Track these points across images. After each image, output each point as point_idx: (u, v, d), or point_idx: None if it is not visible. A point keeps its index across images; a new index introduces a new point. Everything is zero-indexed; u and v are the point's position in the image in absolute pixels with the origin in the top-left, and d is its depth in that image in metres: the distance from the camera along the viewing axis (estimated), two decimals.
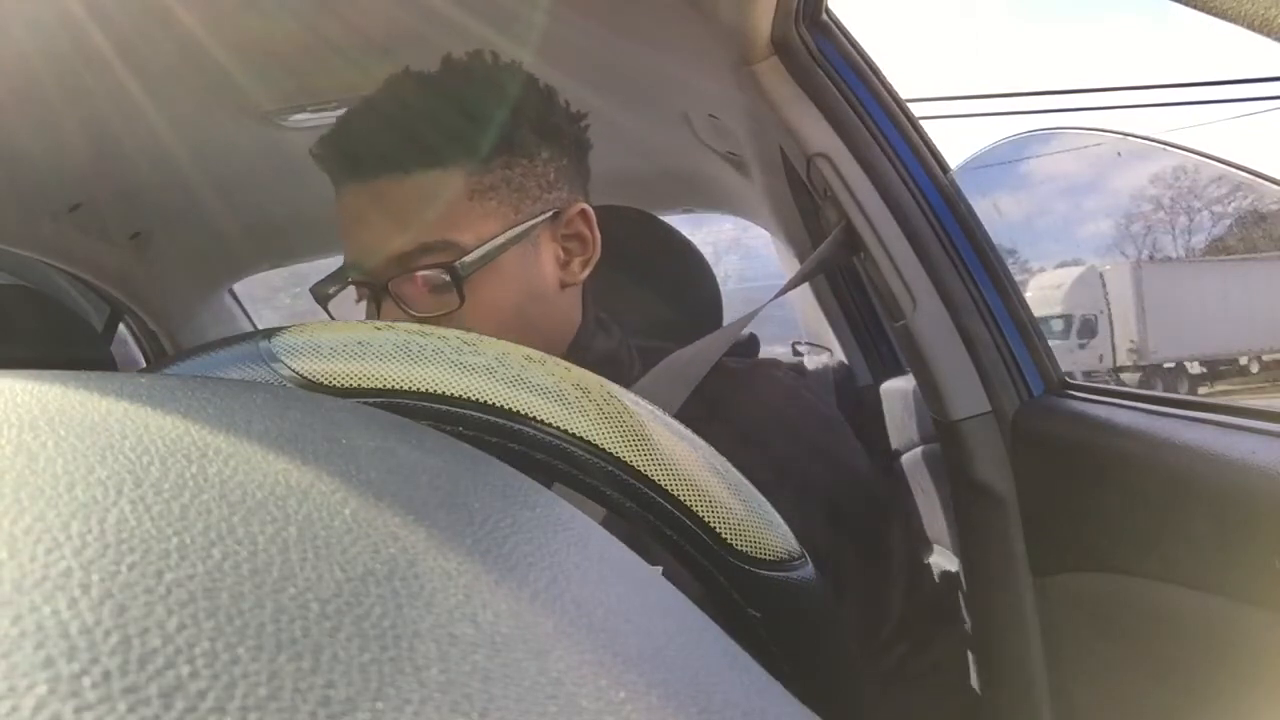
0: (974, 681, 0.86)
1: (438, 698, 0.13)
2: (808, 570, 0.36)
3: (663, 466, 0.33)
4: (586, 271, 0.72)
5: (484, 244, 0.65)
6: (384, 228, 0.65)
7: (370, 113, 0.67)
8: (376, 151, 0.65)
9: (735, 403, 0.71)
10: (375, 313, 0.67)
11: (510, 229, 0.67)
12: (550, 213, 0.69)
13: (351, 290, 0.72)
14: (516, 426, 0.32)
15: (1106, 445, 0.69)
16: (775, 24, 0.81)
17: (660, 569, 0.36)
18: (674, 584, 0.23)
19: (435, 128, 0.65)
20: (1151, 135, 0.99)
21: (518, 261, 0.67)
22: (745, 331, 0.81)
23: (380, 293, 0.66)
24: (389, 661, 0.13)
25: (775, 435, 0.70)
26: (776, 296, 0.87)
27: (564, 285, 0.71)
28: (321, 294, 0.72)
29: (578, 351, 0.71)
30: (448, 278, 0.64)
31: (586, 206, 0.73)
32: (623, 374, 0.72)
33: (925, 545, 1.11)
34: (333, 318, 0.72)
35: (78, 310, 1.54)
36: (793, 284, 0.89)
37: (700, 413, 0.65)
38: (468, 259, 0.65)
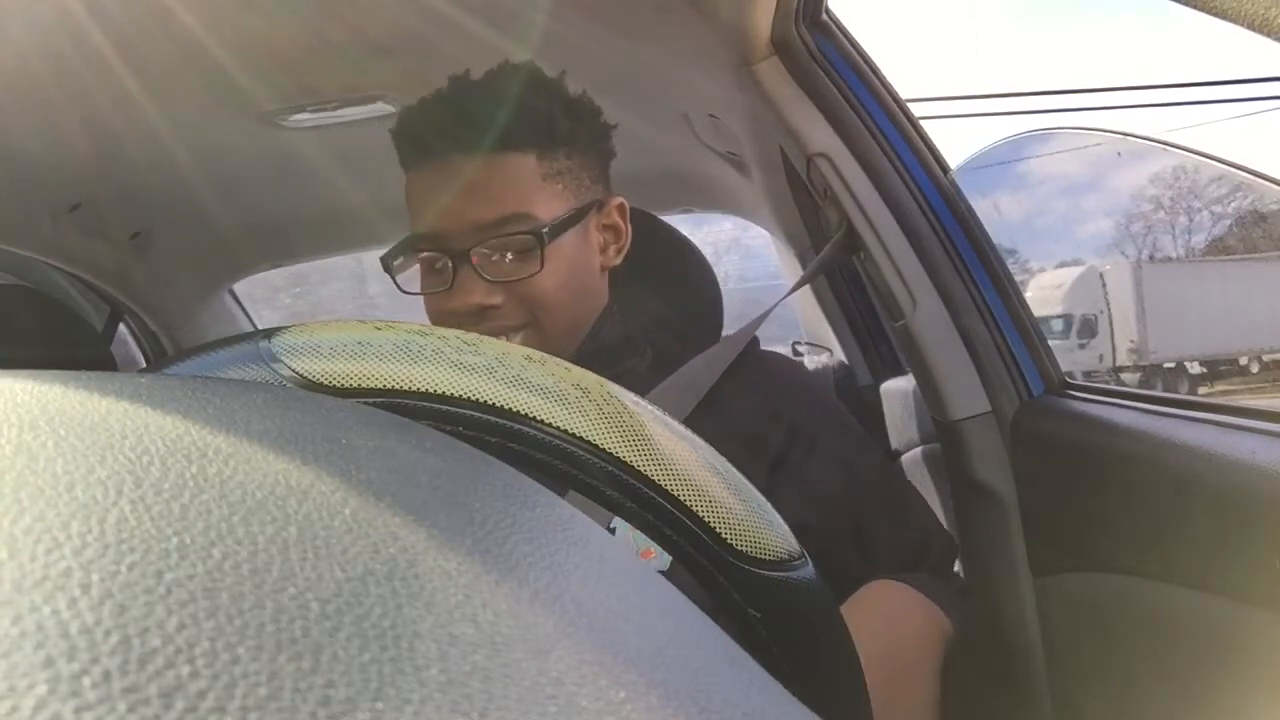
0: (974, 681, 0.86)
1: (438, 698, 0.13)
2: (808, 570, 0.36)
3: (663, 466, 0.33)
4: (619, 259, 0.82)
5: (555, 220, 0.74)
6: (472, 199, 0.72)
7: (453, 101, 0.75)
8: (472, 130, 0.72)
9: (747, 382, 0.78)
10: (449, 280, 0.74)
11: (573, 209, 0.76)
12: (597, 201, 0.79)
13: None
14: (516, 426, 0.32)
15: (1106, 445, 0.69)
16: (775, 24, 0.81)
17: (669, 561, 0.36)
18: (676, 584, 0.23)
19: (517, 116, 0.73)
20: (1151, 135, 0.99)
21: (577, 240, 0.77)
22: None
23: (460, 259, 0.73)
24: (389, 661, 0.13)
25: (789, 400, 0.79)
26: (783, 299, 0.89)
27: (602, 269, 0.81)
28: (389, 263, 0.78)
29: (598, 331, 0.79)
30: (534, 242, 0.73)
31: (623, 200, 0.83)
32: (636, 359, 0.81)
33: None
34: (400, 288, 0.78)
35: (78, 310, 1.54)
36: (798, 287, 0.92)
37: (700, 412, 0.73)
38: (548, 228, 0.73)
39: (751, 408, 0.76)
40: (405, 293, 0.78)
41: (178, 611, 0.12)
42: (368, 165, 1.33)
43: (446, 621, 0.15)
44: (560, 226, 0.74)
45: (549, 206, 0.74)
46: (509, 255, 0.74)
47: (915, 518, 0.80)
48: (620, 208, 0.82)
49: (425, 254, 0.76)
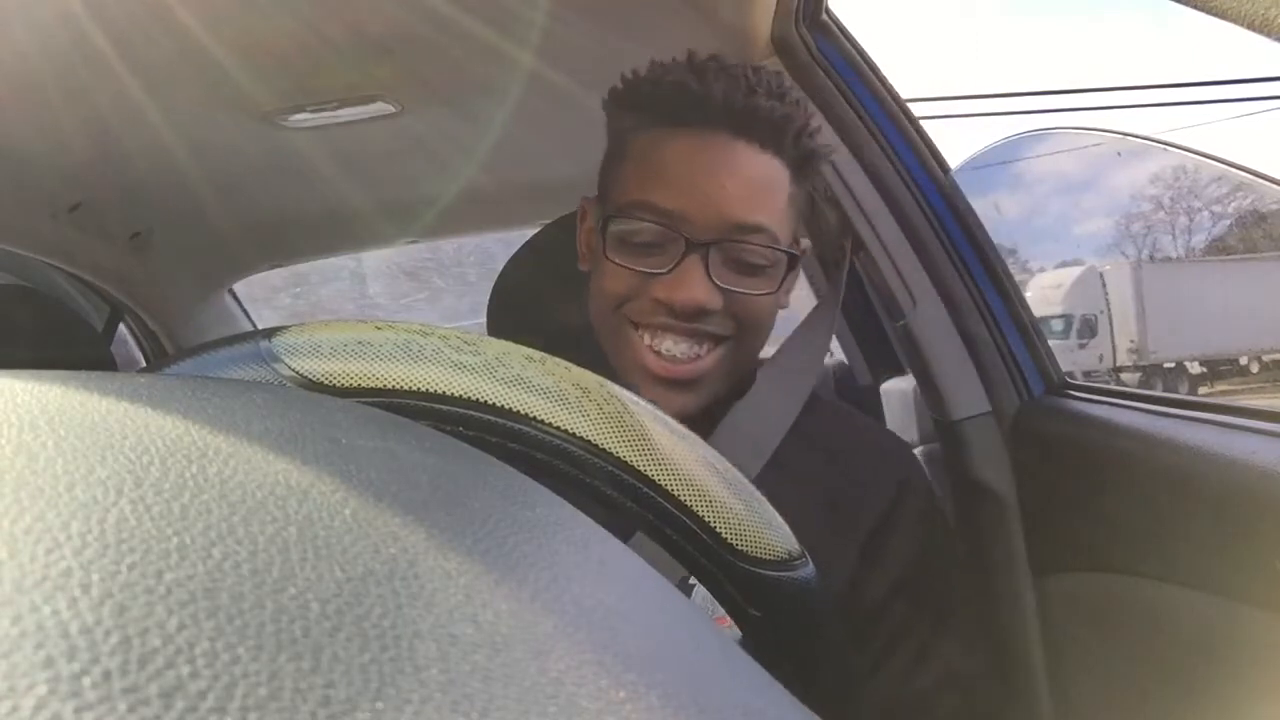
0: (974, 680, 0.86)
1: (438, 698, 0.13)
2: (808, 570, 0.36)
3: (663, 466, 0.33)
4: (786, 306, 0.75)
5: (790, 247, 0.69)
6: (737, 191, 0.66)
7: (752, 80, 0.68)
8: (763, 116, 0.66)
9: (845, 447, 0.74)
10: (669, 265, 0.66)
11: (802, 247, 0.72)
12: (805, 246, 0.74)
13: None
14: (517, 426, 0.32)
15: (1106, 445, 0.69)
16: (775, 24, 0.81)
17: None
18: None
19: (790, 124, 0.67)
20: (1151, 135, 0.99)
21: (794, 278, 0.72)
22: None
23: (696, 249, 0.66)
24: (389, 661, 0.13)
25: (884, 477, 0.72)
26: (831, 316, 0.83)
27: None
28: (614, 223, 0.68)
29: (750, 383, 0.73)
30: (785, 262, 0.68)
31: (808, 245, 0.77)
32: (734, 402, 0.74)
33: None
34: (604, 251, 0.69)
35: (78, 310, 1.54)
36: (830, 306, 0.84)
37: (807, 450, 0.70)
38: (800, 253, 0.69)
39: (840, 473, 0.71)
40: (609, 259, 0.68)
41: (178, 611, 0.12)
42: (368, 165, 1.33)
43: (446, 621, 0.15)
44: (798, 256, 0.70)
45: (786, 232, 0.69)
46: (745, 264, 0.67)
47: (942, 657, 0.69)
48: (798, 269, 0.75)
49: (653, 230, 0.67)
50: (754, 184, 0.66)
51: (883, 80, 0.84)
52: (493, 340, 0.34)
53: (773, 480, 0.61)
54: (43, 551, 0.13)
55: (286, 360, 0.32)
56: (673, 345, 0.67)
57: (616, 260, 0.68)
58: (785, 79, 0.70)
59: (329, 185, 1.39)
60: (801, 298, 1.74)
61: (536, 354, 0.34)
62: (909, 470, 0.74)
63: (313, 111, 1.08)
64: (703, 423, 0.69)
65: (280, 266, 1.82)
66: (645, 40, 0.76)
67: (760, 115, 0.66)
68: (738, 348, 0.69)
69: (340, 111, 1.09)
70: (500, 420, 0.32)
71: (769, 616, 0.35)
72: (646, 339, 0.67)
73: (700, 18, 0.85)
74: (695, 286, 0.65)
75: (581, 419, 0.33)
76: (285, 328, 0.33)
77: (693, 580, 0.57)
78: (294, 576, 0.14)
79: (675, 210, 0.66)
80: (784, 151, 0.67)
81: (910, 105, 0.85)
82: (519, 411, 0.32)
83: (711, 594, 0.35)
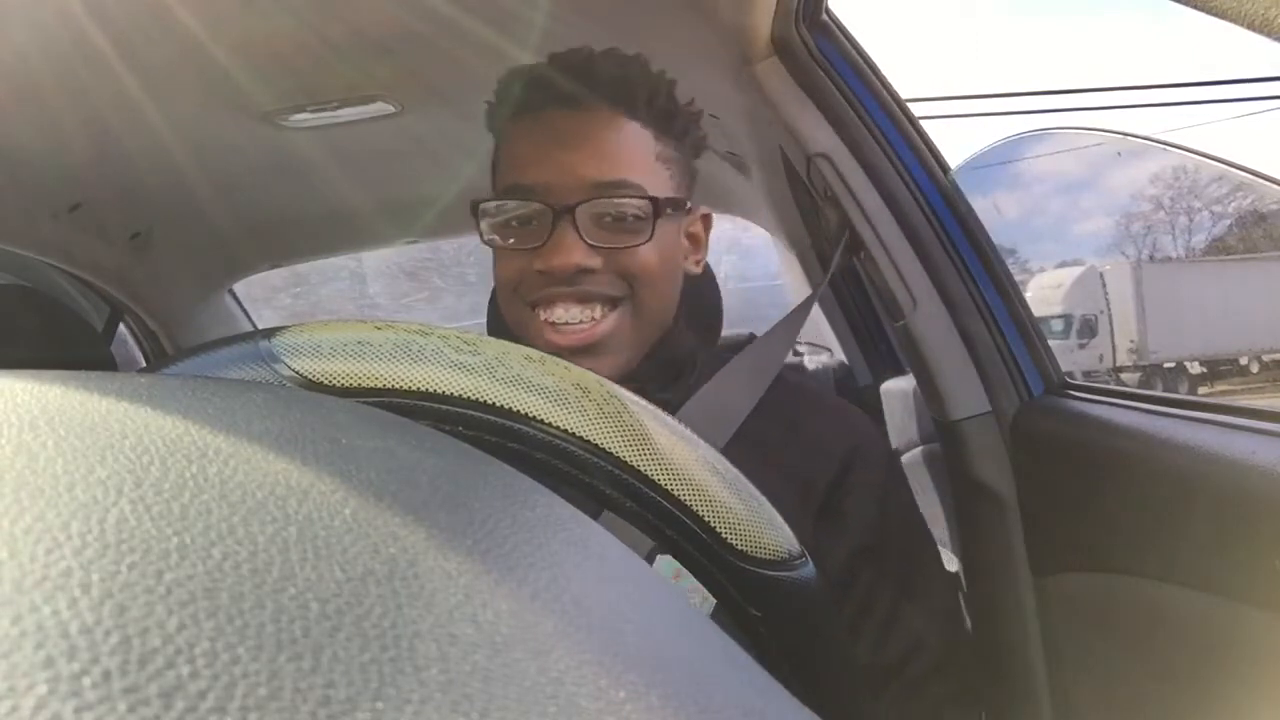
0: (974, 681, 0.86)
1: (438, 698, 0.13)
2: (808, 570, 0.36)
3: (662, 466, 0.33)
4: (697, 270, 0.79)
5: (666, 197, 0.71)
6: (587, 154, 0.69)
7: (580, 58, 0.72)
8: (592, 85, 0.70)
9: (803, 416, 0.75)
10: (543, 236, 0.69)
11: (679, 197, 0.74)
12: (689, 203, 0.77)
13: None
14: (516, 426, 0.32)
15: (1106, 445, 0.69)
16: (775, 24, 0.81)
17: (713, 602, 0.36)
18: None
19: (642, 90, 0.71)
20: (1151, 135, 0.99)
21: (674, 231, 0.74)
22: (745, 332, 0.83)
23: (562, 215, 0.68)
24: (389, 661, 0.13)
25: (839, 437, 0.74)
26: (809, 303, 0.87)
27: (685, 275, 0.77)
28: (485, 209, 0.72)
29: (670, 342, 0.75)
30: (647, 211, 0.69)
31: (710, 213, 0.80)
32: (692, 376, 0.76)
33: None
34: (483, 238, 0.73)
35: (78, 310, 1.54)
36: (813, 298, 0.90)
37: (768, 423, 0.71)
38: (663, 199, 0.70)
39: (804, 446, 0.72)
40: (487, 244, 0.73)
41: (178, 611, 0.12)
42: (368, 165, 1.33)
43: (446, 621, 0.15)
44: (667, 205, 0.71)
45: (657, 186, 0.71)
46: (615, 221, 0.69)
47: (906, 626, 0.70)
48: (706, 219, 0.80)
49: (521, 206, 0.71)
50: (607, 144, 0.70)
51: (883, 80, 0.84)
52: (492, 340, 0.34)
53: (736, 453, 0.61)
54: (43, 551, 0.13)
55: (286, 360, 0.32)
56: (564, 312, 0.69)
57: (500, 244, 0.72)
58: (628, 55, 0.73)
59: (329, 185, 1.39)
60: (802, 297, 1.74)
61: (536, 354, 0.34)
62: (862, 436, 0.75)
63: (313, 111, 1.08)
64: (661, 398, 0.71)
65: (280, 266, 1.82)
66: (645, 40, 0.76)
67: (600, 81, 0.70)
68: (636, 308, 0.71)
69: (340, 111, 1.09)
70: (500, 420, 0.32)
71: (769, 616, 0.35)
72: (541, 314, 0.70)
73: (700, 18, 0.85)
74: (569, 249, 0.68)
75: (581, 418, 0.33)
76: (285, 328, 0.33)
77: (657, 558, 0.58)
78: (294, 576, 0.14)
79: (536, 184, 0.69)
80: (636, 112, 0.70)
81: (910, 105, 0.85)
82: (518, 411, 0.32)
83: (711, 593, 0.35)
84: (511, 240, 0.71)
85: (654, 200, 0.69)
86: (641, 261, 0.70)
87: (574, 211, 0.68)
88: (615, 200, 0.69)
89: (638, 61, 0.73)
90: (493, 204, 0.72)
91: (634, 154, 0.70)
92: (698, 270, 0.79)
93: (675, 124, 0.73)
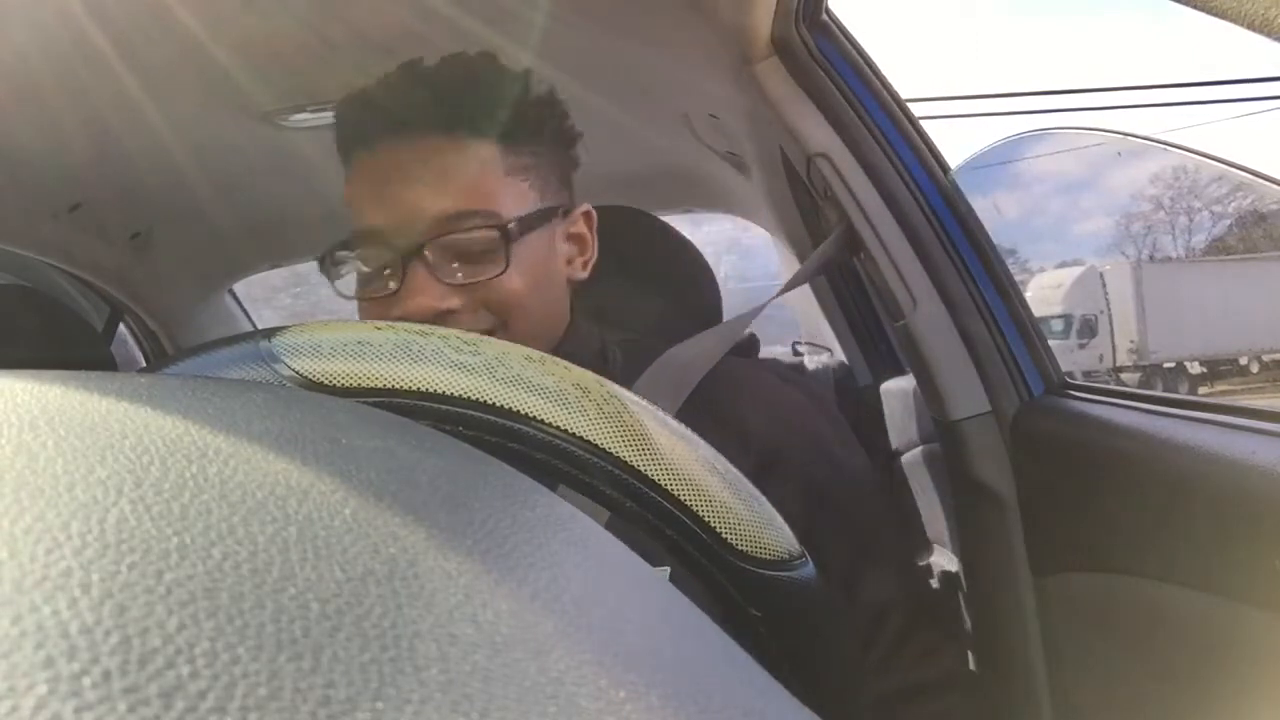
0: (974, 681, 0.86)
1: (438, 698, 0.13)
2: (808, 570, 0.36)
3: (662, 466, 0.33)
4: (584, 274, 0.74)
5: (520, 216, 0.66)
6: (427, 188, 0.64)
7: (409, 78, 0.67)
8: (423, 110, 0.65)
9: (726, 401, 0.71)
10: (397, 283, 0.65)
11: (539, 210, 0.69)
12: (562, 207, 0.72)
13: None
14: (516, 426, 0.32)
15: (1106, 445, 0.69)
16: (775, 24, 0.81)
17: (667, 569, 0.36)
18: (678, 585, 0.23)
19: (476, 99, 0.66)
20: (1151, 135, 0.99)
21: (543, 244, 0.69)
22: (746, 331, 0.82)
23: (411, 257, 0.64)
24: (389, 661, 0.13)
25: (763, 425, 0.70)
26: (775, 297, 0.87)
27: (568, 281, 0.73)
28: (329, 267, 0.69)
29: (566, 349, 0.71)
30: (498, 240, 0.65)
31: (590, 208, 0.75)
32: (608, 372, 0.72)
33: (925, 546, 1.11)
34: (339, 293, 0.69)
35: (78, 310, 1.54)
36: (792, 284, 0.89)
37: (694, 414, 0.65)
38: (513, 223, 0.65)
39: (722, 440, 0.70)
40: (344, 298, 0.69)
41: (178, 611, 0.12)
42: None
43: (446, 621, 0.15)
44: (526, 224, 0.66)
45: (513, 204, 0.66)
46: (468, 254, 0.65)
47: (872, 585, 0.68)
48: (587, 216, 0.75)
49: (368, 253, 0.66)
50: (446, 173, 0.65)
51: (883, 80, 0.84)
52: (492, 340, 0.34)
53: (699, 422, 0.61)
54: (43, 551, 0.13)
55: (286, 360, 0.32)
56: None
57: (359, 296, 0.68)
58: (461, 59, 0.69)
59: (329, 185, 1.39)
60: (802, 296, 1.74)
61: (536, 354, 0.34)
62: (794, 429, 0.72)
63: (313, 111, 1.08)
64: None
65: (280, 266, 1.82)
66: (645, 40, 0.76)
67: (432, 103, 0.65)
68: (513, 336, 0.65)
69: None
70: (500, 420, 0.32)
71: (769, 616, 0.35)
72: None
73: (700, 18, 0.85)
74: (422, 292, 0.63)
75: (581, 419, 0.33)
76: (285, 328, 0.33)
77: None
78: (294, 576, 0.14)
79: (378, 227, 0.65)
80: (478, 129, 0.65)
81: (910, 105, 0.85)
82: (518, 411, 0.32)
83: (712, 594, 0.35)
84: (369, 288, 0.67)
85: (504, 227, 0.65)
86: (505, 291, 0.65)
87: (421, 252, 0.64)
88: (461, 235, 0.64)
89: (477, 66, 0.68)
90: (338, 254, 0.68)
91: (478, 178, 0.66)
92: (585, 274, 0.74)
93: (523, 126, 0.68)
